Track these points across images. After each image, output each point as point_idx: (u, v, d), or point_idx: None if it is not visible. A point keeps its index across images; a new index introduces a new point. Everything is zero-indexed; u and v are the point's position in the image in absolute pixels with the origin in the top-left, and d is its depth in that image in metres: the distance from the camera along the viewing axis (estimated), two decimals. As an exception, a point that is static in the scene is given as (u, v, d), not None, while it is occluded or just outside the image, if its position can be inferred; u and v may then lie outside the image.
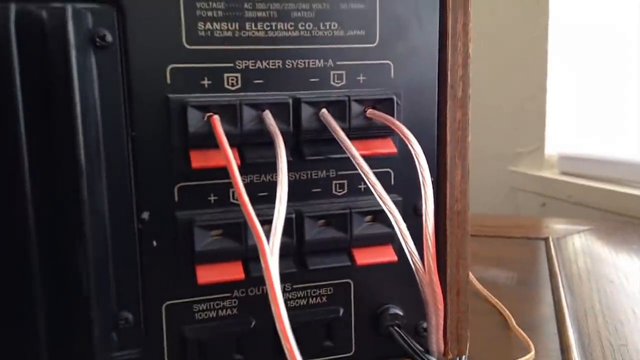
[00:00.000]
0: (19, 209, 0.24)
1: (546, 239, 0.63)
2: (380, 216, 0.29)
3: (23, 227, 0.24)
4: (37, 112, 0.24)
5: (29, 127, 0.24)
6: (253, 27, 0.27)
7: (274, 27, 0.28)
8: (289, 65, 0.28)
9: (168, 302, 0.28)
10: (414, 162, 0.27)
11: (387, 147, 0.29)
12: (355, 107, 0.28)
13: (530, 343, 0.37)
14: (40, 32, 0.23)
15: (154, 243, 0.27)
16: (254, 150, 0.27)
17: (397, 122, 0.28)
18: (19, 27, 0.23)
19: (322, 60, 0.28)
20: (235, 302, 0.29)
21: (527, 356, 0.35)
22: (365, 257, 0.30)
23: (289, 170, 0.27)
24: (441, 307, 0.28)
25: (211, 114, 0.26)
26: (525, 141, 0.90)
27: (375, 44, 0.29)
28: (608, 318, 0.43)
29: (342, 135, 0.27)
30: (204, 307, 0.28)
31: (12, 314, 0.25)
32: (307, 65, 0.28)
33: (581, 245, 0.62)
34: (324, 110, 0.28)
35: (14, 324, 0.25)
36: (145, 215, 0.27)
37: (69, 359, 0.26)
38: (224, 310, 0.29)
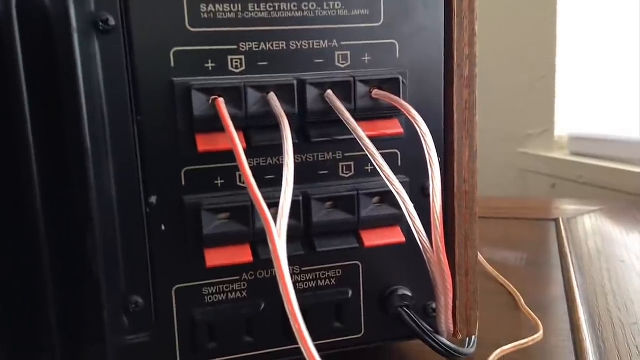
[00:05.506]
0: (26, 193, 0.24)
1: (556, 220, 0.63)
2: (387, 197, 0.29)
3: (31, 212, 0.24)
4: (42, 97, 0.24)
5: (34, 112, 0.24)
6: (256, 8, 0.27)
7: (277, 8, 0.27)
8: (293, 46, 0.28)
9: (178, 286, 0.28)
10: (421, 142, 0.27)
11: (393, 128, 0.29)
12: (361, 88, 0.28)
13: (539, 322, 0.37)
14: (42, 16, 0.23)
15: (162, 227, 0.27)
16: (260, 133, 0.27)
17: (404, 102, 0.28)
18: (20, 12, 0.23)
19: (326, 41, 0.28)
20: (244, 284, 0.29)
21: (535, 336, 0.35)
22: (373, 238, 0.29)
23: (295, 152, 0.27)
24: (450, 287, 0.28)
25: (216, 96, 0.26)
26: (535, 123, 0.89)
27: (380, 23, 0.29)
28: (618, 297, 0.42)
29: (348, 116, 0.27)
30: (214, 290, 0.29)
31: (22, 299, 0.25)
32: (311, 46, 0.28)
33: (591, 226, 0.61)
34: (329, 91, 0.28)
35: (25, 309, 0.25)
36: (153, 199, 0.27)
37: (80, 344, 0.26)
38: (234, 293, 0.29)
